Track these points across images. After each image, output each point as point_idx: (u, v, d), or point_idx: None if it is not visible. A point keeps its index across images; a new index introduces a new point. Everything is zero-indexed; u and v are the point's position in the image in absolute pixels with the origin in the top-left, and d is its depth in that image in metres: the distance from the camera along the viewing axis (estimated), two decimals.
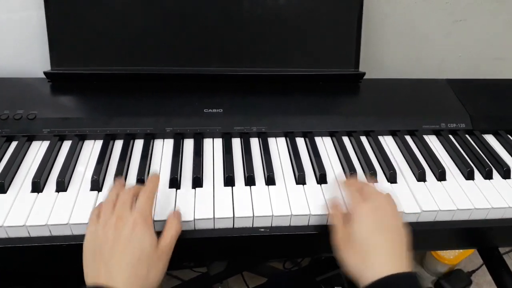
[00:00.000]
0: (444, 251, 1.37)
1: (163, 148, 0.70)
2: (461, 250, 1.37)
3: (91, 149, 0.68)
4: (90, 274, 0.48)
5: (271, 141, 0.73)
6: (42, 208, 0.57)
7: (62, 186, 0.60)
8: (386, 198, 0.56)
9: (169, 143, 0.71)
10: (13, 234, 0.55)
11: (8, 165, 0.63)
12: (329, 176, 0.66)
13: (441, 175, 0.67)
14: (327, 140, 0.74)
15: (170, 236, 0.52)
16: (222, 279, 1.12)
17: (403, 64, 1.00)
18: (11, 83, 0.77)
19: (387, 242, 0.52)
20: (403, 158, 0.72)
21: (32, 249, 0.55)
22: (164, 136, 0.71)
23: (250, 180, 0.64)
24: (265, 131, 0.73)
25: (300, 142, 0.73)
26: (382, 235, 0.52)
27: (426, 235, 0.64)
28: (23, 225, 0.55)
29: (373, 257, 0.51)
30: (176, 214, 0.56)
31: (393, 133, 0.77)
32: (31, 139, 0.69)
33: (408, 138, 0.76)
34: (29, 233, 0.55)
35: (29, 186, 0.60)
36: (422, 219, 0.62)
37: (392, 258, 0.51)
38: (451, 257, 1.37)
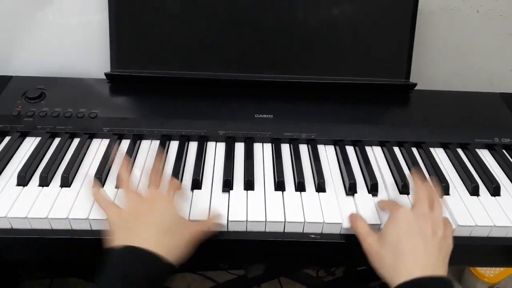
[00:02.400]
0: (484, 268, 1.33)
1: (215, 151, 0.72)
2: (501, 269, 1.33)
3: (148, 148, 0.71)
4: (120, 241, 0.51)
5: (320, 148, 0.74)
6: None
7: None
8: (439, 215, 0.56)
9: (221, 146, 0.73)
10: (95, 226, 0.59)
11: (72, 160, 0.66)
12: (380, 187, 0.66)
13: (495, 190, 0.66)
14: (377, 150, 0.74)
15: (203, 224, 0.57)
16: (260, 283, 1.13)
17: (452, 76, 0.99)
18: (73, 83, 0.82)
19: (420, 247, 0.51)
20: (455, 172, 0.71)
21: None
22: (216, 139, 0.73)
23: (300, 186, 0.65)
24: (314, 138, 0.74)
25: (350, 150, 0.73)
26: (416, 240, 0.52)
27: (478, 250, 0.63)
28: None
29: (405, 259, 0.51)
30: (215, 216, 0.59)
31: (444, 146, 0.76)
32: (92, 136, 0.72)
33: (459, 151, 0.75)
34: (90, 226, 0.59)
35: (90, 182, 0.63)
36: (476, 233, 0.61)
37: (425, 262, 0.50)
38: (491, 275, 1.33)
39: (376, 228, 0.59)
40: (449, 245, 0.54)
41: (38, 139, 0.71)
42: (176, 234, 0.53)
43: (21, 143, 0.71)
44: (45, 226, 0.57)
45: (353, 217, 0.59)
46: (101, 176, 0.63)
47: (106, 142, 0.71)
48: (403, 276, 0.49)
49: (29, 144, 0.71)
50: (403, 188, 0.65)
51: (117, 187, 0.63)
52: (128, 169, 0.63)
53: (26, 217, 0.57)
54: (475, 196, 0.66)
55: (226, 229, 0.60)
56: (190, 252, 0.54)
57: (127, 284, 0.47)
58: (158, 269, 0.49)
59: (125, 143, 0.71)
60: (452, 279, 0.51)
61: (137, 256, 0.49)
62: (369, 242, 0.55)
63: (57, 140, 0.71)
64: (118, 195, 0.61)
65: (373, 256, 0.54)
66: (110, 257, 0.49)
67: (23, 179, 0.63)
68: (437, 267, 0.51)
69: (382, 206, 0.61)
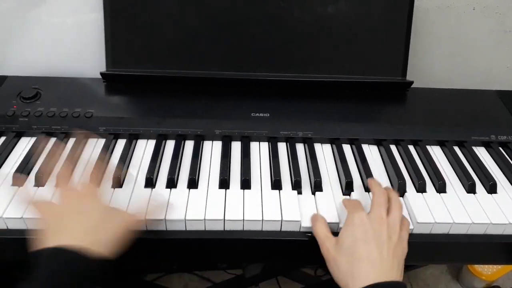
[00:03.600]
0: (482, 266, 1.34)
1: (212, 150, 0.71)
2: (499, 266, 1.33)
3: (144, 147, 0.71)
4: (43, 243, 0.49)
5: (317, 146, 0.74)
6: None
7: (118, 183, 0.63)
8: (395, 219, 0.56)
9: (217, 145, 0.72)
10: None
11: (67, 159, 0.66)
12: None
13: (492, 188, 0.66)
14: (374, 148, 0.74)
15: (135, 215, 0.56)
16: (258, 282, 1.13)
17: (448, 73, 0.99)
18: (69, 82, 0.81)
19: (375, 252, 0.51)
20: (452, 169, 0.71)
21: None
22: (213, 138, 0.73)
23: (297, 185, 0.65)
24: (311, 136, 0.74)
25: (347, 149, 0.73)
26: (371, 245, 0.52)
27: (475, 248, 0.63)
28: None
29: (361, 265, 0.51)
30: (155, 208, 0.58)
31: (441, 143, 0.76)
32: (87, 136, 0.72)
33: (456, 149, 0.75)
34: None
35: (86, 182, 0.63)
36: (472, 231, 0.61)
37: (380, 268, 0.51)
38: (488, 273, 1.33)
39: None
40: (404, 248, 0.55)
41: (34, 139, 0.71)
42: (106, 227, 0.52)
43: (16, 143, 0.71)
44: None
45: (314, 218, 0.59)
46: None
47: (102, 141, 0.71)
48: (359, 282, 0.50)
49: (25, 144, 0.70)
50: (400, 187, 0.65)
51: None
52: (69, 169, 0.61)
53: (22, 217, 0.57)
54: (472, 194, 0.66)
55: (222, 228, 0.59)
56: (127, 242, 0.53)
57: (56, 284, 0.46)
58: (87, 264, 0.48)
59: (121, 143, 0.71)
60: (406, 283, 0.51)
61: (63, 255, 0.48)
62: (327, 247, 0.55)
63: (52, 140, 0.71)
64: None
65: (330, 261, 0.54)
66: (39, 259, 0.48)
67: (18, 179, 0.62)
68: (392, 272, 0.51)
69: (345, 205, 0.60)
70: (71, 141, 0.70)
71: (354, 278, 0.50)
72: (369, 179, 0.64)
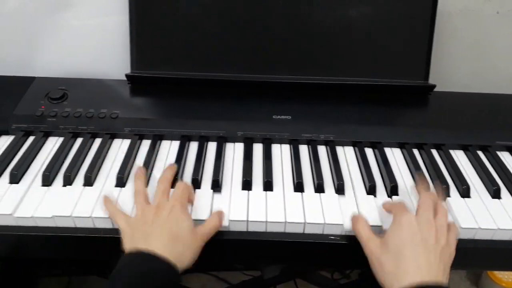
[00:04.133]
0: (502, 273, 1.31)
1: (234, 151, 0.72)
2: None
3: (168, 148, 0.72)
4: (129, 246, 0.52)
5: (339, 149, 0.74)
6: (124, 202, 0.61)
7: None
8: (443, 222, 0.55)
9: (239, 146, 0.73)
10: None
11: (94, 160, 0.67)
12: (400, 188, 0.65)
13: None
14: (397, 152, 0.74)
15: (209, 225, 0.57)
16: (276, 284, 1.13)
17: (471, 77, 0.98)
18: (94, 84, 0.83)
19: (422, 256, 0.51)
20: (476, 174, 0.70)
21: None
22: (235, 140, 0.74)
23: (319, 188, 0.65)
24: (333, 139, 0.74)
25: (369, 152, 0.73)
26: (419, 248, 0.52)
27: (500, 254, 0.62)
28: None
29: (407, 268, 0.50)
30: (219, 212, 0.59)
31: (464, 148, 0.75)
32: (113, 136, 0.73)
33: (480, 153, 0.74)
34: None
35: (112, 181, 0.65)
36: (497, 237, 0.60)
37: (426, 272, 0.50)
38: (509, 280, 1.31)
39: None
40: (451, 253, 0.54)
41: (61, 139, 0.73)
42: (186, 241, 0.54)
43: (44, 142, 0.72)
44: (69, 224, 0.59)
45: (355, 219, 0.59)
46: (123, 175, 0.64)
47: (127, 142, 0.72)
48: (404, 284, 0.49)
49: (52, 144, 0.72)
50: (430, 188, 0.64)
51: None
52: (143, 179, 0.62)
53: (52, 217, 0.58)
54: (497, 199, 0.65)
55: (245, 229, 0.60)
56: (197, 257, 0.55)
57: (137, 285, 0.48)
58: (164, 274, 0.50)
59: (145, 144, 0.72)
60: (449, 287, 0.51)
61: (144, 261, 0.50)
62: (370, 247, 0.55)
63: (79, 140, 0.73)
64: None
65: (374, 261, 0.54)
66: (120, 261, 0.50)
67: (47, 179, 0.64)
68: (438, 275, 0.50)
69: (388, 208, 0.60)
70: (97, 141, 0.72)
71: (399, 281, 0.50)
72: (416, 180, 0.63)
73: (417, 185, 0.63)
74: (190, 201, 0.60)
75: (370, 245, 0.55)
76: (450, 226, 0.56)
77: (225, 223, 0.59)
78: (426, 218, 0.55)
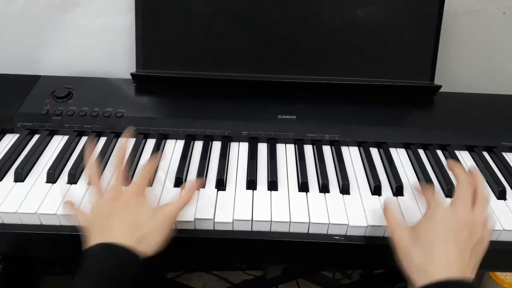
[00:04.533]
0: (504, 274, 1.31)
1: (239, 151, 0.72)
2: None
3: (173, 148, 0.72)
4: (92, 241, 0.51)
5: (344, 149, 0.74)
6: None
7: (148, 182, 0.64)
8: (480, 215, 0.52)
9: (244, 146, 0.73)
10: None
11: (99, 158, 0.67)
12: (405, 189, 0.65)
13: None
14: (402, 152, 0.74)
15: (171, 207, 0.55)
16: (277, 284, 1.13)
17: (477, 78, 0.97)
18: (100, 82, 0.83)
19: (453, 253, 0.49)
20: (482, 175, 0.70)
21: None
22: (239, 140, 0.74)
23: (324, 188, 0.65)
24: (338, 139, 0.74)
25: (374, 152, 0.73)
26: (451, 244, 0.50)
27: (504, 255, 0.62)
28: None
29: (436, 263, 0.49)
30: (186, 190, 0.57)
31: (470, 149, 0.75)
32: (118, 135, 0.73)
33: (485, 154, 0.74)
34: None
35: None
36: (503, 238, 0.60)
37: (455, 268, 0.49)
38: (511, 281, 1.31)
39: None
40: (484, 248, 0.52)
41: (66, 137, 0.73)
42: (149, 225, 0.53)
43: (49, 141, 0.72)
44: (74, 223, 0.59)
45: (387, 205, 0.56)
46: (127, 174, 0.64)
47: (132, 141, 0.72)
48: (431, 279, 0.48)
49: (57, 142, 0.72)
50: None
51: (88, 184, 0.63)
52: (97, 168, 0.60)
53: (55, 214, 0.58)
54: (502, 200, 0.65)
55: (250, 229, 0.60)
56: (168, 235, 0.54)
57: (101, 278, 0.48)
58: (131, 261, 0.50)
59: (150, 142, 0.73)
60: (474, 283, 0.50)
61: (109, 251, 0.49)
62: (398, 235, 0.53)
63: (84, 139, 0.73)
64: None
65: (401, 250, 0.52)
66: (84, 256, 0.50)
67: (52, 177, 0.64)
68: (467, 272, 0.49)
69: (420, 192, 0.58)
70: (102, 140, 0.72)
71: (427, 276, 0.48)
72: (450, 164, 0.59)
73: (453, 168, 0.58)
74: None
75: (398, 232, 0.53)
76: (486, 221, 0.53)
77: (229, 220, 0.59)
78: (462, 211, 0.52)
